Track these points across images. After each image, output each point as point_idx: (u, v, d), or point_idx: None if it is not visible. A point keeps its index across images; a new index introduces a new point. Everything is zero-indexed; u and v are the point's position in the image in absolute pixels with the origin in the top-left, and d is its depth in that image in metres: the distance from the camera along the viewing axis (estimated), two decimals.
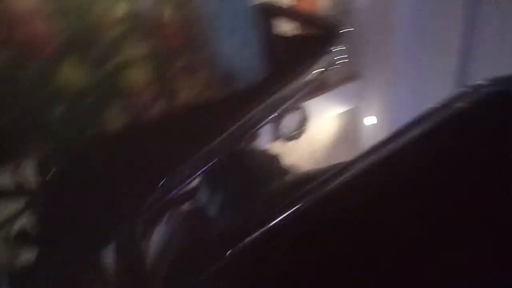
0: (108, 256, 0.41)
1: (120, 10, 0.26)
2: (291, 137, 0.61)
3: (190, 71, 0.31)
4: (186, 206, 0.54)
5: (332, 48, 0.78)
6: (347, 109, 1.97)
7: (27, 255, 0.43)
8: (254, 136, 0.57)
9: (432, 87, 1.63)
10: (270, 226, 0.32)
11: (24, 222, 0.47)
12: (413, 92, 1.72)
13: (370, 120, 1.96)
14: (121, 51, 0.28)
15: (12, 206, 0.49)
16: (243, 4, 0.31)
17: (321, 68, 0.78)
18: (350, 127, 2.03)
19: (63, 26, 0.25)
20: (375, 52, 1.75)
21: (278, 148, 0.62)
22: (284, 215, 0.32)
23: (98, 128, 0.31)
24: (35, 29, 0.25)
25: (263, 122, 0.44)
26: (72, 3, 0.25)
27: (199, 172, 0.41)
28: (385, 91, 1.81)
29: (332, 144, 2.02)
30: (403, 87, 1.74)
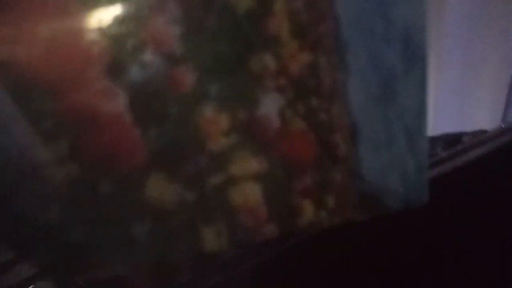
0: None
1: (226, 118, 0.21)
2: None
3: (318, 190, 0.24)
4: None
5: None
6: None
7: None
8: None
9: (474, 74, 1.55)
10: None
11: None
12: (455, 78, 1.64)
13: None
14: (225, 168, 0.22)
15: None
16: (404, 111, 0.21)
17: None
18: None
19: (153, 136, 0.20)
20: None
21: None
22: None
23: (192, 250, 0.25)
24: (116, 138, 0.20)
25: None
26: (165, 110, 0.20)
27: None
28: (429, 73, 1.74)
29: None
30: (447, 72, 1.66)
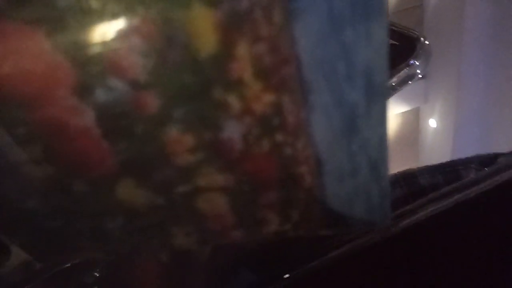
0: None
1: (191, 138, 0.21)
2: None
3: (283, 205, 0.25)
4: None
5: (410, 61, 0.70)
6: (408, 109, 1.87)
7: None
8: None
9: (498, 95, 1.50)
10: None
11: None
12: (478, 100, 1.60)
13: (431, 123, 1.86)
14: (192, 180, 0.23)
15: None
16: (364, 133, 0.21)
17: (400, 82, 0.70)
18: (410, 127, 1.93)
19: (121, 148, 0.22)
20: (443, 53, 1.62)
21: None
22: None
23: (162, 245, 0.27)
24: (85, 148, 0.22)
25: None
26: (131, 128, 0.21)
27: None
28: (450, 95, 1.69)
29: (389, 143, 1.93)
30: (469, 93, 1.61)
